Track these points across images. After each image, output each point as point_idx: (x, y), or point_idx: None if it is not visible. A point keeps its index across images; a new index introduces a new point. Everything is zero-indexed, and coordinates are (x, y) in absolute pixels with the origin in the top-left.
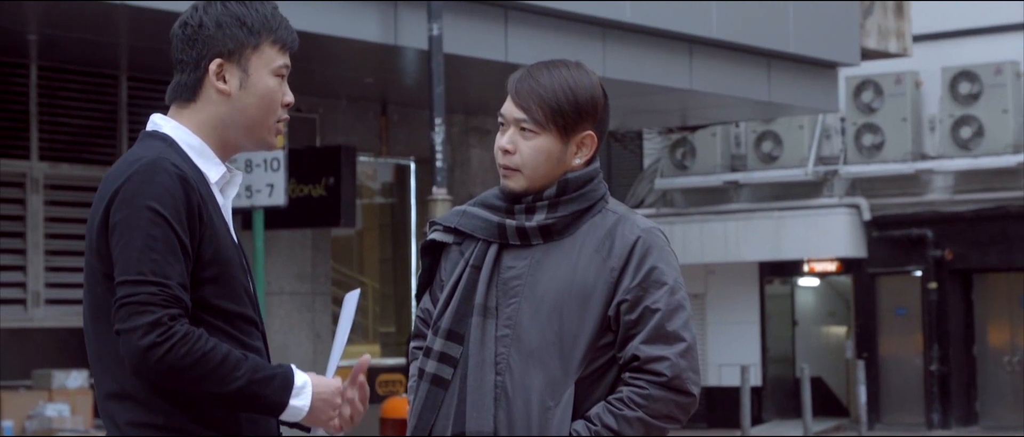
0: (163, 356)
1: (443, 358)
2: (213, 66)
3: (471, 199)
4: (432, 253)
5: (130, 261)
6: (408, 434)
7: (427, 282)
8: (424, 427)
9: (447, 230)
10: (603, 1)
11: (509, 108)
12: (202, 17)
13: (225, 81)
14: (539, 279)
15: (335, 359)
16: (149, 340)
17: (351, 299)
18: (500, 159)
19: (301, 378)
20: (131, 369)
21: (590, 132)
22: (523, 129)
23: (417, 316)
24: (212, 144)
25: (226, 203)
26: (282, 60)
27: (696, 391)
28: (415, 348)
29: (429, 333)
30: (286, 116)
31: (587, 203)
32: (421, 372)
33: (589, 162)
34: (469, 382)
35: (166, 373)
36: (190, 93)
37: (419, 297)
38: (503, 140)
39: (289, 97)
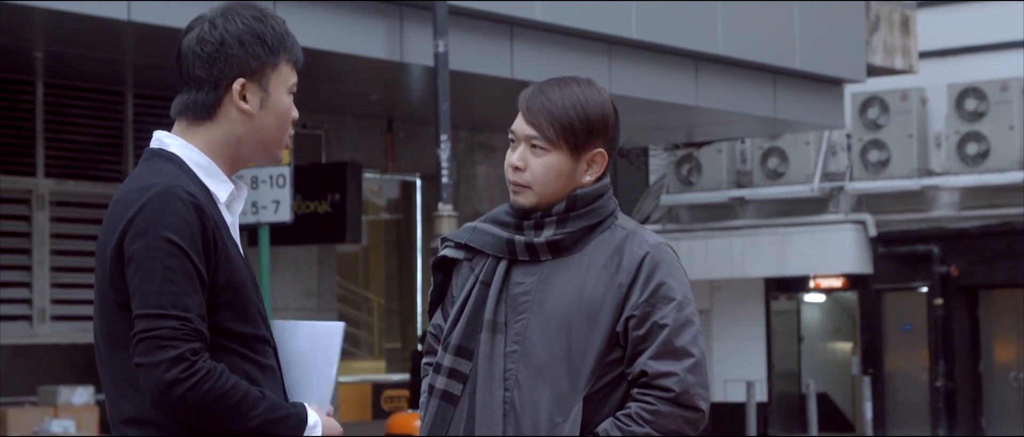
0: (185, 392)
1: (453, 374)
2: (236, 86)
3: (477, 215)
4: (443, 269)
5: (149, 294)
6: None
7: (438, 298)
8: None
9: (458, 246)
10: (609, 18)
11: (520, 125)
12: (223, 34)
13: (246, 100)
14: (548, 295)
15: (327, 397)
16: (172, 375)
17: (336, 333)
18: (511, 176)
19: (313, 417)
20: (152, 403)
21: (601, 149)
22: (534, 146)
23: (429, 332)
24: (222, 162)
25: (234, 220)
26: (295, 78)
27: (705, 407)
28: (426, 364)
29: (439, 349)
30: (292, 131)
31: (596, 219)
32: (431, 388)
33: (599, 179)
34: (478, 398)
35: (187, 408)
36: (206, 112)
37: (431, 313)
38: (514, 157)
39: (296, 113)
